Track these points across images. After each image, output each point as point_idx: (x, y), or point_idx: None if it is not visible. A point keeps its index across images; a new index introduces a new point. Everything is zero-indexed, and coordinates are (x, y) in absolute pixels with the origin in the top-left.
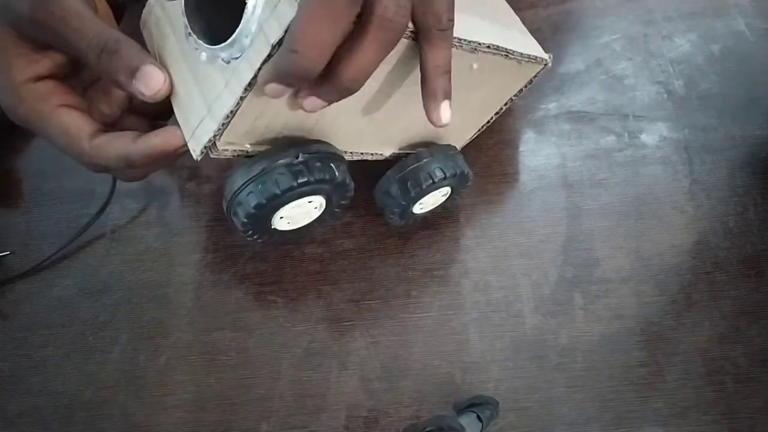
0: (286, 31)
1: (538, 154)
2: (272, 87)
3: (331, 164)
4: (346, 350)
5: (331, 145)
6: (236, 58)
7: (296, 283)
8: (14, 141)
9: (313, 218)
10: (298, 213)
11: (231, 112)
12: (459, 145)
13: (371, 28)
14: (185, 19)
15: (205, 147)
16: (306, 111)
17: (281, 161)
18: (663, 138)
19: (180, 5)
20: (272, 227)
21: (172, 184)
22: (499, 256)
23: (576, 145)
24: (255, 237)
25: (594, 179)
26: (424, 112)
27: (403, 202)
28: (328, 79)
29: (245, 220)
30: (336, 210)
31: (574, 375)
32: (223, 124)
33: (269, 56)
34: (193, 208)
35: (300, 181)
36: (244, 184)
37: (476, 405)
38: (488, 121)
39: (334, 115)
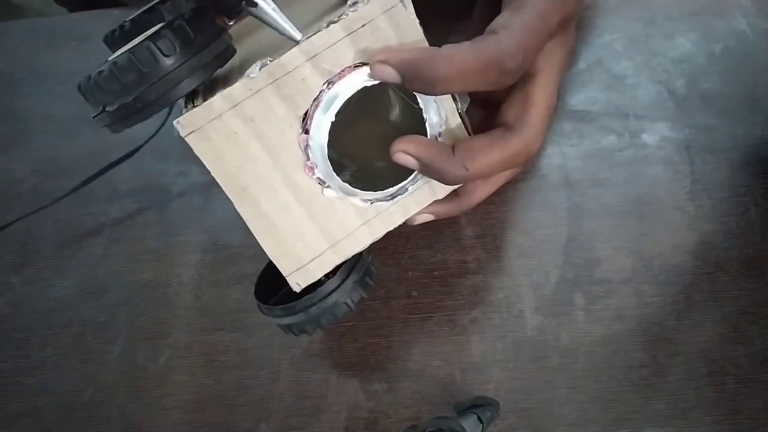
0: None
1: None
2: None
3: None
4: (346, 351)
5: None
6: (384, 201)
7: None
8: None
9: None
10: None
11: (365, 249)
12: None
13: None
14: (329, 164)
15: (312, 279)
16: (413, 224)
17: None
18: (664, 138)
19: (318, 143)
20: None
21: (171, 184)
22: (499, 257)
23: (577, 145)
24: None
25: (595, 179)
26: None
27: None
28: (460, 199)
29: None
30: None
31: (575, 376)
32: (346, 260)
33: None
34: (192, 209)
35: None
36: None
37: (477, 406)
38: None
39: None
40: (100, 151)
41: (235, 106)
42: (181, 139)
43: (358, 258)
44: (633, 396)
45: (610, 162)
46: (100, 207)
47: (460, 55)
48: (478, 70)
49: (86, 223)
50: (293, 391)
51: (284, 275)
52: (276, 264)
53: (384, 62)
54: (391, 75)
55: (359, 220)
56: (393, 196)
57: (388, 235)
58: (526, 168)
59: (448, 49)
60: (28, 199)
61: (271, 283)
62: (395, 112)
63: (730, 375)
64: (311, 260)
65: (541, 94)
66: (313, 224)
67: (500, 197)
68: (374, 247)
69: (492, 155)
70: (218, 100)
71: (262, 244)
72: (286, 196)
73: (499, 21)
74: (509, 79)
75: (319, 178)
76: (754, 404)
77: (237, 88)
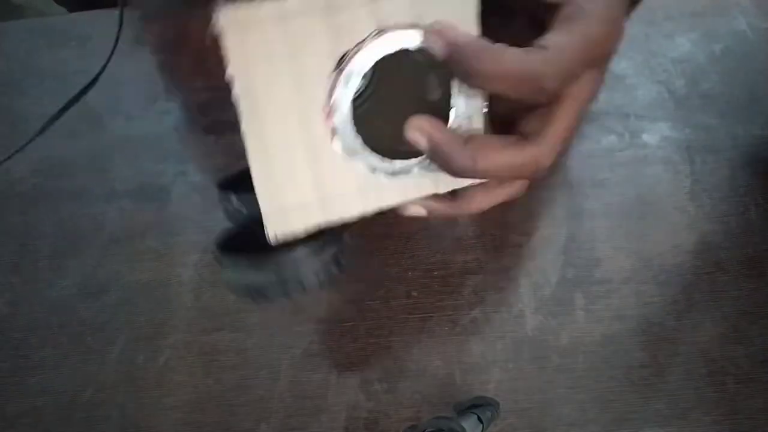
0: None
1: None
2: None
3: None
4: (346, 351)
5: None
6: (386, 174)
7: None
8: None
9: None
10: None
11: (351, 217)
12: None
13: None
14: (350, 113)
15: (290, 232)
16: (405, 214)
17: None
18: (664, 138)
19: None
20: None
21: (171, 184)
22: (499, 257)
23: (577, 145)
24: None
25: (595, 179)
26: None
27: None
28: (457, 202)
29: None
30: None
31: (575, 376)
32: (330, 223)
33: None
34: (192, 209)
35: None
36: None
37: (477, 406)
38: None
39: None
40: (99, 150)
41: (282, 17)
42: (215, 35)
43: (338, 236)
44: (633, 396)
45: (610, 162)
46: (100, 207)
47: (508, 59)
48: (518, 79)
49: (86, 223)
50: (293, 391)
51: (262, 214)
52: (258, 198)
53: (437, 34)
54: (439, 47)
55: (355, 185)
56: (396, 174)
57: (388, 235)
58: (531, 182)
59: (499, 48)
60: (28, 199)
61: (237, 249)
62: (426, 89)
63: (730, 375)
64: (295, 208)
65: (564, 114)
66: (309, 170)
67: None
68: (374, 247)
69: (502, 157)
70: (268, 5)
71: (252, 172)
72: (294, 130)
73: (551, 38)
74: (543, 98)
75: (333, 126)
76: (754, 404)
77: (292, 1)
